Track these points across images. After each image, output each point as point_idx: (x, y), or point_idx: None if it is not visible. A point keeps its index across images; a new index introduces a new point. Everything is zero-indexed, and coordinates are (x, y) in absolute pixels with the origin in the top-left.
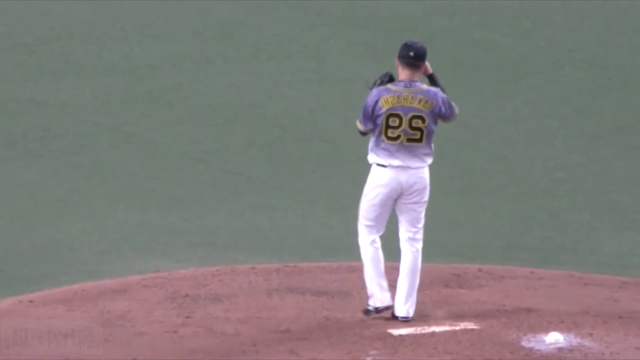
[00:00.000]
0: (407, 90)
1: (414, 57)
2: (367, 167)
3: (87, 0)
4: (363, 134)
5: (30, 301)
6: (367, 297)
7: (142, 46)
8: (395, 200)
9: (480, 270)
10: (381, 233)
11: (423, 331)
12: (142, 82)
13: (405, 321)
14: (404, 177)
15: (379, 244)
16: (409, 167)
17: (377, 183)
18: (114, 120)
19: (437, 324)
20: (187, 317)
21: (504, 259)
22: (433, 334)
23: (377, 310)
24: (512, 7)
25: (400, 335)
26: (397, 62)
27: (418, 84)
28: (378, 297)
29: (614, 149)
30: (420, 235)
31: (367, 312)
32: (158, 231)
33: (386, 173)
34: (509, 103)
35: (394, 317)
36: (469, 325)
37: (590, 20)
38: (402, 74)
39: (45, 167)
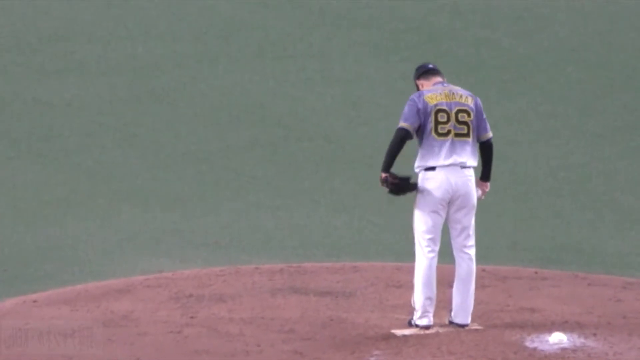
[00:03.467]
0: (445, 88)
1: (433, 67)
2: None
3: (90, 0)
4: (402, 134)
5: (34, 301)
6: (411, 310)
7: (146, 46)
8: (447, 208)
9: (484, 270)
10: (438, 247)
11: (427, 331)
12: (145, 82)
13: (462, 327)
14: (453, 178)
15: (435, 263)
16: (458, 166)
17: (428, 188)
18: (118, 120)
19: (441, 325)
20: (191, 317)
21: (507, 259)
22: (437, 334)
23: (418, 327)
24: (515, 7)
25: (404, 336)
26: (419, 82)
27: (450, 84)
28: (423, 315)
29: (617, 148)
30: (472, 242)
31: (410, 324)
32: (161, 231)
33: (436, 176)
34: (512, 103)
35: (451, 324)
36: (473, 325)
37: (593, 20)
38: (431, 82)
39: (49, 166)
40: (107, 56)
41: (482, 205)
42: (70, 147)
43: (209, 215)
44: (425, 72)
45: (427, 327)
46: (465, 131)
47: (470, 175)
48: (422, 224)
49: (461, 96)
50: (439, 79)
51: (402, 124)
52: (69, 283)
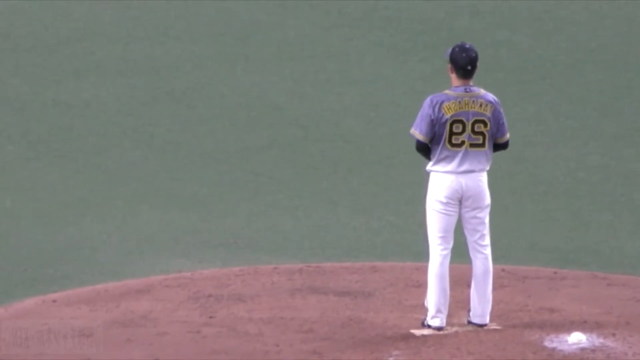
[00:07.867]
0: (467, 95)
1: (471, 70)
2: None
3: (109, 0)
4: (422, 146)
5: (53, 301)
6: (425, 310)
7: (164, 47)
8: (459, 207)
9: (503, 270)
10: (451, 245)
11: (446, 332)
12: (164, 83)
13: (481, 327)
14: (463, 180)
15: (447, 261)
16: (470, 171)
17: (438, 188)
18: (136, 121)
19: (460, 325)
20: (210, 317)
21: (526, 260)
22: (456, 334)
23: (430, 327)
24: (534, 8)
25: (423, 336)
26: (450, 69)
27: (475, 88)
28: (436, 315)
29: (636, 149)
30: (486, 241)
31: (423, 324)
32: (180, 231)
33: (446, 177)
34: (530, 104)
35: (470, 323)
36: (492, 325)
37: (611, 20)
38: (457, 81)
39: (68, 167)
40: (126, 57)
41: (501, 206)
42: (88, 148)
43: (228, 215)
44: (461, 70)
45: (439, 329)
46: (480, 141)
47: (482, 177)
48: (434, 222)
49: (481, 104)
50: (465, 81)
51: (418, 135)
52: (88, 283)
